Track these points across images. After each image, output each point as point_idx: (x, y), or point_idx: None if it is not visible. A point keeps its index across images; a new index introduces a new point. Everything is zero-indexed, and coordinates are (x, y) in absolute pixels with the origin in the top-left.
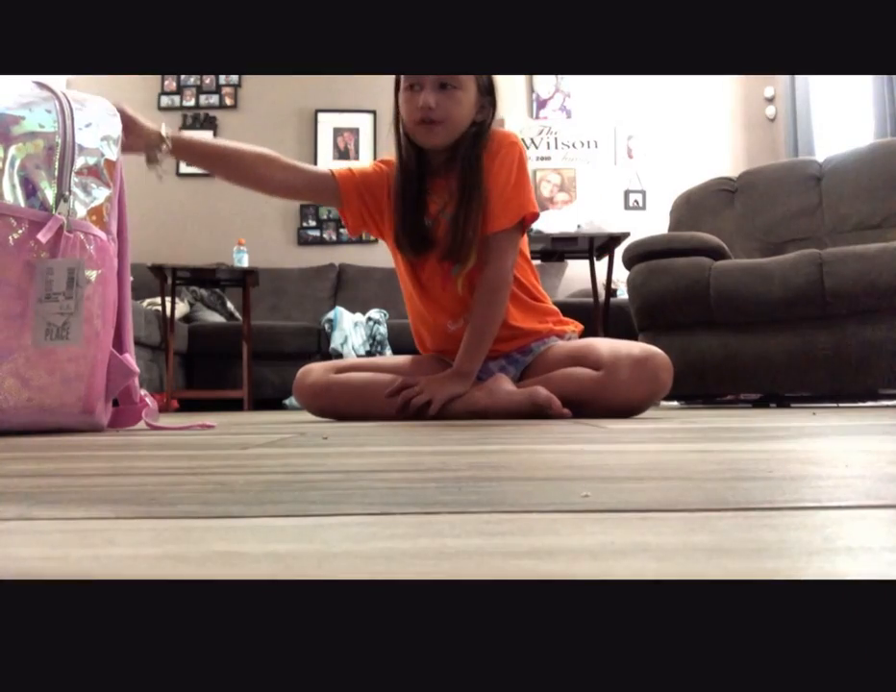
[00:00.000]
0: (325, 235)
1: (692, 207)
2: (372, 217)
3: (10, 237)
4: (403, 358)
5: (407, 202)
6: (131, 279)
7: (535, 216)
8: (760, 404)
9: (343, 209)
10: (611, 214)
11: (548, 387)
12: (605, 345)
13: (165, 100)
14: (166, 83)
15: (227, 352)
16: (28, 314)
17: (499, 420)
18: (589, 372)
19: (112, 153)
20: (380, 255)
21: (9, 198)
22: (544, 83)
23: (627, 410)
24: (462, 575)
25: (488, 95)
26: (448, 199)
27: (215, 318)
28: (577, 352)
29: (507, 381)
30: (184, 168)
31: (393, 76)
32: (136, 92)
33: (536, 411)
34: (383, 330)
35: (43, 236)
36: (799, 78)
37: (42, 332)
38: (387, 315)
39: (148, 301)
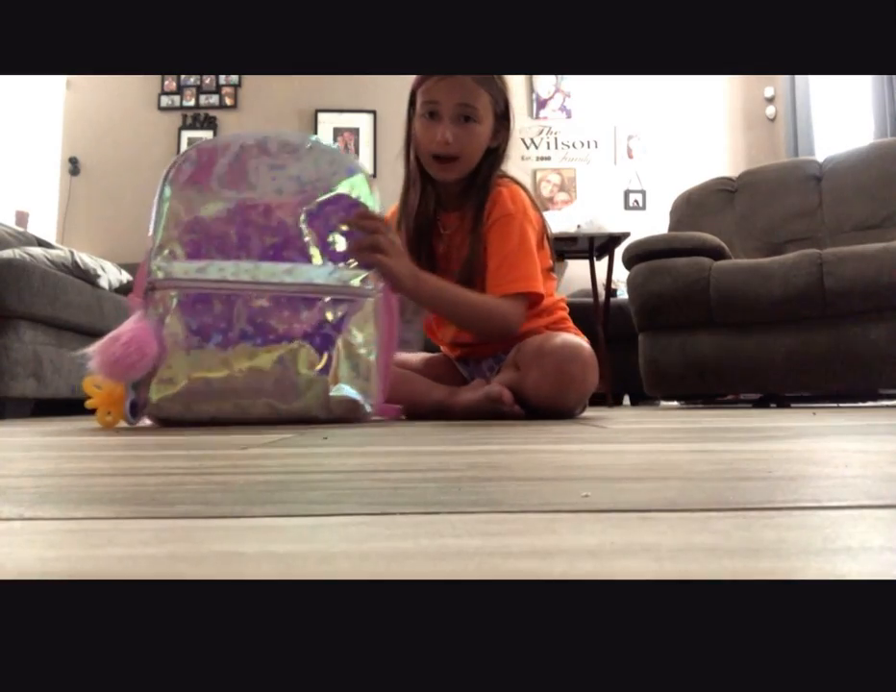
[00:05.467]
0: None
1: (692, 207)
2: None
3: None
4: (417, 357)
5: (419, 234)
6: (130, 278)
7: (539, 296)
8: (760, 404)
9: None
10: (611, 214)
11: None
12: (542, 337)
13: (165, 100)
14: (166, 83)
15: None
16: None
17: (467, 421)
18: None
19: None
20: None
21: None
22: (544, 83)
23: (546, 408)
24: (462, 575)
25: (504, 120)
26: (455, 230)
27: None
28: (531, 344)
29: (481, 384)
30: None
31: (391, 76)
32: (136, 92)
33: (492, 407)
34: None
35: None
36: (799, 78)
37: None
38: None
39: None
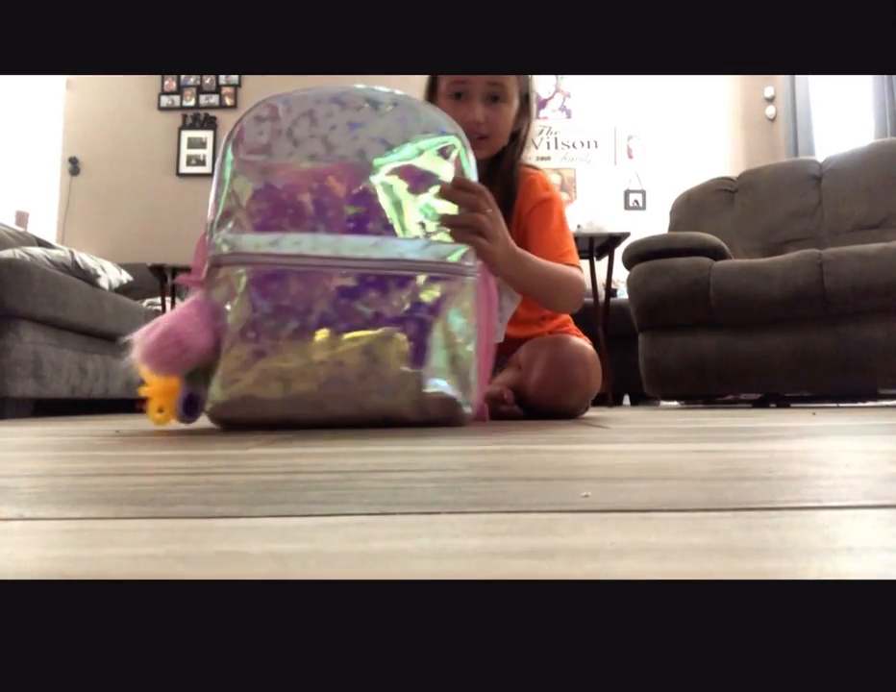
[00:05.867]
0: None
1: (692, 207)
2: None
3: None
4: None
5: None
6: (130, 278)
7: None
8: (760, 404)
9: None
10: (611, 214)
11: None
12: (545, 339)
13: (165, 100)
14: (166, 83)
15: None
16: None
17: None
18: (517, 372)
19: None
20: None
21: None
22: (544, 83)
23: (548, 409)
24: (462, 575)
25: (526, 103)
26: None
27: None
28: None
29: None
30: (184, 168)
31: (391, 76)
32: (136, 92)
33: (492, 407)
34: None
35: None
36: (799, 78)
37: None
38: None
39: (148, 301)
